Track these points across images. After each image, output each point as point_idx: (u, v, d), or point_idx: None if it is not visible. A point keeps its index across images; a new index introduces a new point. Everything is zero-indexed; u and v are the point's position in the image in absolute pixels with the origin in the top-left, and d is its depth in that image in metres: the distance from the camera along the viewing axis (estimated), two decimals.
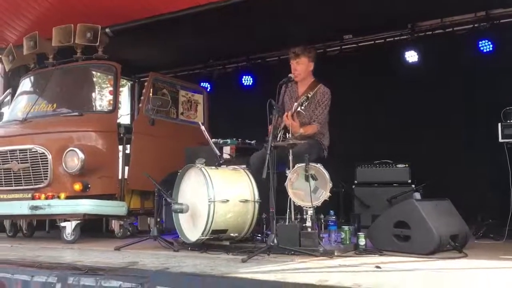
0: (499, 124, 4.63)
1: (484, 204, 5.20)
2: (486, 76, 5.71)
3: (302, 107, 4.31)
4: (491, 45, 5.99)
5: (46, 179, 5.07)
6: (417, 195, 5.09)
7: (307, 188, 3.85)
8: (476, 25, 6.06)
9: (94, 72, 5.98)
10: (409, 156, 5.85)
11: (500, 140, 4.62)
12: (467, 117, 5.87)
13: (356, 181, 6.02)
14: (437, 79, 6.16)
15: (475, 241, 4.57)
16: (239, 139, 5.14)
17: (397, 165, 5.85)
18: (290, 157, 4.07)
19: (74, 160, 4.97)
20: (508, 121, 4.60)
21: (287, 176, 4.03)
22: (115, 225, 5.39)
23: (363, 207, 5.82)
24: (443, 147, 5.92)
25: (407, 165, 5.77)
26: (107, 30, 5.91)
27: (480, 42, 6.04)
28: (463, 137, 5.85)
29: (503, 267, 3.18)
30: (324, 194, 3.86)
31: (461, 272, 3.09)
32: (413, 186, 5.60)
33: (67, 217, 4.95)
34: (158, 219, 5.58)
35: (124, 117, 8.83)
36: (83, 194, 5.02)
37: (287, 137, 4.22)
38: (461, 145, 5.86)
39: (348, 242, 3.99)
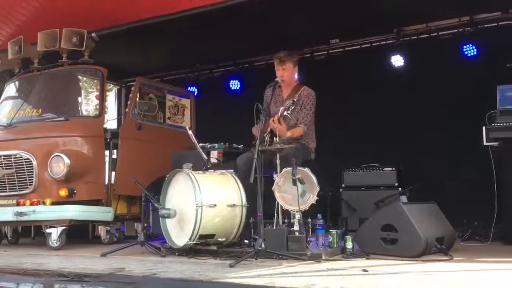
0: (484, 128, 4.67)
1: (470, 207, 5.25)
2: (471, 79, 5.78)
3: (289, 111, 4.32)
4: (475, 50, 6.07)
5: (31, 185, 5.03)
6: (404, 198, 5.12)
7: (294, 192, 3.86)
8: (460, 29, 6.14)
9: (80, 77, 5.94)
10: (396, 159, 5.89)
11: (485, 143, 4.65)
12: (452, 120, 5.92)
13: (343, 185, 6.04)
14: (422, 83, 6.22)
15: (461, 243, 4.62)
16: (227, 144, 5.15)
17: (384, 169, 5.89)
18: (278, 161, 4.08)
19: (60, 165, 4.93)
20: (493, 124, 4.63)
21: (274, 180, 4.03)
22: (101, 230, 5.35)
23: (351, 210, 5.85)
24: (429, 150, 5.97)
25: (393, 169, 5.81)
26: (93, 34, 5.88)
27: (465, 47, 6.12)
28: (449, 140, 5.90)
29: (488, 269, 3.21)
30: (311, 198, 3.87)
31: (447, 274, 3.12)
32: (400, 189, 5.63)
33: (52, 223, 4.90)
34: (145, 225, 5.54)
35: (111, 121, 8.77)
36: (69, 200, 4.98)
37: (274, 141, 4.23)
38: (446, 148, 5.92)
39: (335, 246, 4.00)
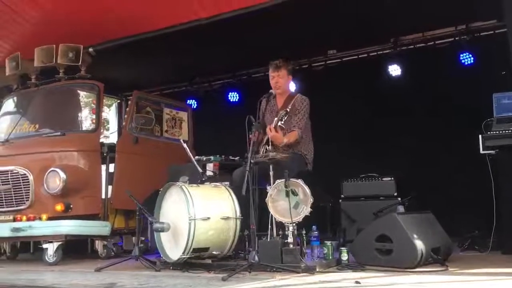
0: (480, 136, 4.62)
1: (469, 216, 5.20)
2: (468, 88, 5.74)
3: (282, 122, 4.30)
4: (471, 58, 6.06)
5: (28, 200, 5.03)
6: (401, 209, 5.07)
7: (287, 204, 3.82)
8: (456, 38, 6.14)
9: (76, 92, 5.95)
10: (395, 169, 5.84)
11: (481, 151, 4.60)
12: (450, 129, 5.89)
13: (342, 195, 5.99)
14: (420, 92, 6.22)
15: (460, 253, 4.56)
16: (223, 156, 5.13)
17: (383, 179, 5.83)
18: (271, 173, 4.06)
19: (56, 180, 4.94)
20: (489, 132, 4.59)
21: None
22: (98, 245, 5.33)
23: (350, 221, 5.78)
24: (427, 159, 5.94)
25: (392, 179, 5.76)
26: (90, 49, 5.92)
27: (461, 55, 6.12)
28: (447, 149, 5.86)
29: (482, 279, 3.15)
30: (305, 210, 3.83)
31: (440, 285, 3.06)
32: (399, 199, 5.58)
33: (49, 239, 4.89)
34: (143, 238, 5.53)
35: (112, 135, 8.81)
36: (66, 215, 4.97)
37: (269, 151, 4.21)
38: (445, 157, 5.87)
39: (330, 258, 3.96)
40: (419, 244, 3.63)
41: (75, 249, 5.62)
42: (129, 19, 5.62)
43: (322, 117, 5.13)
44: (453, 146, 5.72)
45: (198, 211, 3.93)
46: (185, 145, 4.66)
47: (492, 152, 4.58)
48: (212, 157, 5.00)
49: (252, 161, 3.92)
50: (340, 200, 5.94)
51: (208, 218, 3.97)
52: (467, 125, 5.26)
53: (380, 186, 5.81)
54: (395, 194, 5.67)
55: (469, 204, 5.35)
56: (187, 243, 3.88)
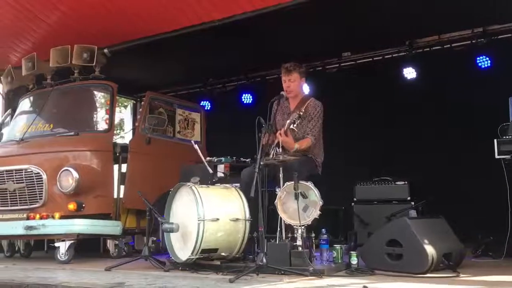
0: (495, 141, 4.53)
1: (483, 221, 5.11)
2: (484, 91, 5.65)
3: (294, 125, 4.25)
4: (488, 61, 5.97)
5: (41, 199, 5.08)
6: (413, 213, 5.01)
7: (296, 207, 3.80)
8: (473, 41, 6.05)
9: (91, 92, 6.00)
10: (408, 172, 5.78)
11: (497, 156, 4.51)
12: (465, 133, 5.80)
13: (355, 199, 5.94)
14: (435, 96, 6.14)
15: (473, 259, 4.48)
16: (234, 157, 5.13)
17: (396, 182, 5.77)
18: (281, 175, 4.03)
19: (69, 179, 4.98)
20: (504, 137, 4.51)
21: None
22: (110, 244, 5.36)
23: (363, 224, 5.73)
24: (442, 163, 5.86)
25: (406, 182, 5.69)
26: (105, 50, 5.98)
27: (478, 58, 6.03)
28: (462, 153, 5.78)
29: (493, 286, 3.08)
30: (314, 212, 3.80)
31: None
32: (412, 203, 5.51)
33: (61, 237, 4.93)
34: (154, 238, 5.56)
35: (127, 135, 8.87)
36: (78, 214, 5.00)
37: (279, 154, 4.18)
38: (460, 161, 5.79)
39: (340, 261, 3.93)
40: (430, 250, 3.58)
41: (87, 248, 5.67)
42: (144, 21, 5.68)
43: (336, 120, 5.08)
44: (469, 150, 5.64)
45: (207, 212, 3.93)
46: (196, 147, 4.67)
47: (508, 157, 4.49)
48: (223, 159, 5.00)
49: (261, 162, 3.90)
50: (353, 204, 5.89)
51: (217, 219, 3.96)
52: (484, 129, 5.15)
53: (393, 190, 5.76)
54: (408, 198, 5.62)
55: (484, 209, 5.26)
56: (196, 244, 3.88)
